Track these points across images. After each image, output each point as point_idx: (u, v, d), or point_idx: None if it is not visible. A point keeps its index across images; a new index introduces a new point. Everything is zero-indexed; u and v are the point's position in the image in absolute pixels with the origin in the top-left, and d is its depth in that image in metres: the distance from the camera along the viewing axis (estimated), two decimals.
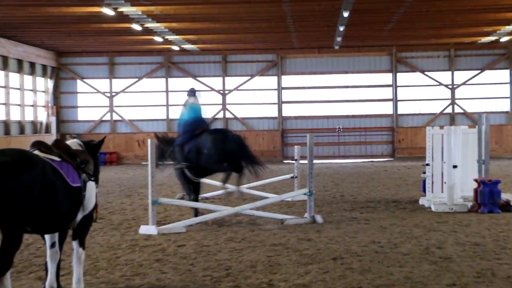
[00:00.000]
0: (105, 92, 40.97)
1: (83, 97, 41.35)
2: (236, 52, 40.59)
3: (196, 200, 15.72)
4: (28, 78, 37.07)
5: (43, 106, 39.02)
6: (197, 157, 15.20)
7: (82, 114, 41.36)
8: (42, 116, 38.84)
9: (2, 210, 6.98)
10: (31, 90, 37.57)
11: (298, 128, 40.07)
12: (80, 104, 41.35)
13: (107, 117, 41.02)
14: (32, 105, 37.61)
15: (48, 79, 39.77)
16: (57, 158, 7.85)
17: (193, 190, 15.76)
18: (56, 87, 40.50)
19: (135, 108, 40.77)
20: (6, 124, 34.10)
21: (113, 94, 40.97)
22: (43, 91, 39.21)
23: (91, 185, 8.24)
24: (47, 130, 38.87)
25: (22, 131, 35.79)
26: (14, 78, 35.45)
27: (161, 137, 16.94)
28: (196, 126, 15.64)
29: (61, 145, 8.23)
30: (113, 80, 40.96)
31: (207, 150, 15.06)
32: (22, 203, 7.08)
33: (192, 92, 16.23)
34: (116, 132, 40.48)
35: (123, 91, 40.95)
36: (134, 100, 40.72)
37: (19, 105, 35.83)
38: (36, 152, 7.82)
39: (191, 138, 15.48)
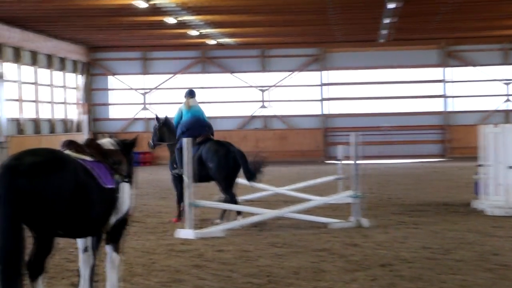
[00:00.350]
0: (138, 89, 41.23)
1: (115, 94, 41.66)
2: (276, 46, 40.54)
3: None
4: (58, 74, 37.43)
5: (74, 104, 39.38)
6: (199, 168, 15.40)
7: (115, 112, 41.65)
8: (73, 114, 39.20)
9: (33, 212, 7.03)
10: (62, 87, 37.92)
11: (342, 126, 39.80)
12: (112, 101, 41.65)
13: (141, 115, 41.27)
14: (62, 103, 37.95)
15: (79, 75, 40.11)
16: (89, 158, 7.88)
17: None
18: (87, 83, 40.84)
19: (169, 106, 40.85)
20: (36, 122, 34.46)
21: (147, 90, 41.21)
22: (74, 88, 39.57)
23: (125, 186, 8.26)
24: (79, 128, 39.19)
25: (52, 129, 36.14)
26: (44, 74, 35.80)
27: (163, 123, 17.15)
28: (198, 129, 15.99)
29: (93, 144, 8.26)
30: (147, 76, 41.20)
31: (211, 164, 15.44)
32: (53, 205, 7.11)
33: (191, 94, 16.66)
34: (150, 131, 40.52)
35: (157, 87, 41.18)
36: (169, 97, 40.78)
37: (49, 102, 36.18)
38: (68, 152, 7.86)
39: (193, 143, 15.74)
